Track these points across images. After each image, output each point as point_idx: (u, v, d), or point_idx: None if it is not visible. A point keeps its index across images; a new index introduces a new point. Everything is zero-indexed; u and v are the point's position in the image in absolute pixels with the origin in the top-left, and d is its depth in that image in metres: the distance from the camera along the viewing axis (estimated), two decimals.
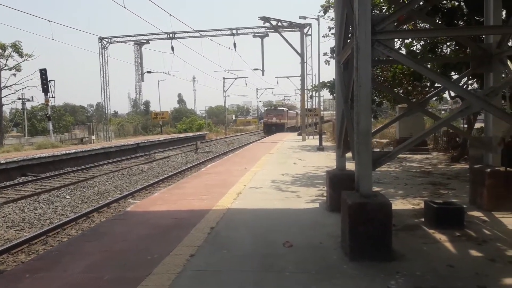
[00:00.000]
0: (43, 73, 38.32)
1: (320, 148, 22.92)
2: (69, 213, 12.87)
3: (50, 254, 5.89)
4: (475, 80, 13.44)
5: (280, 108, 68.56)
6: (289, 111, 70.90)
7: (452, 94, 16.31)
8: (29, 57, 44.40)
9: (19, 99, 54.14)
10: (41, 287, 4.66)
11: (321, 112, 40.74)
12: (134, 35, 41.00)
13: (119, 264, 5.28)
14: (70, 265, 5.33)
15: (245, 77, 66.97)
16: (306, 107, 37.40)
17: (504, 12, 9.79)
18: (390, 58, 6.38)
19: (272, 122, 60.45)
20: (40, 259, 5.86)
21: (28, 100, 57.52)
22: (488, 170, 7.60)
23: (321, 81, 33.33)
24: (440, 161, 16.78)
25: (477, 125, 18.43)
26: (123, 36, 41.18)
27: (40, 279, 4.88)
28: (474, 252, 5.53)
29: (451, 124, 7.26)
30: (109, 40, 40.82)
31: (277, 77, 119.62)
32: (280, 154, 20.92)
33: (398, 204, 8.43)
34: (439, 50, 13.98)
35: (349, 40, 6.86)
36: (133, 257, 5.52)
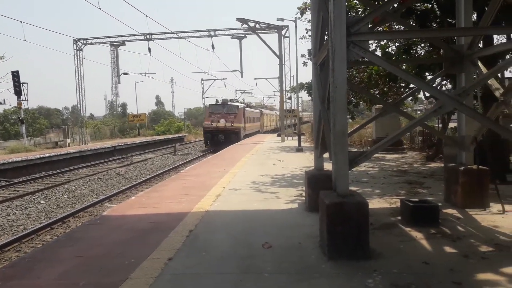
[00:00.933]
0: (15, 75, 37.29)
1: (299, 149, 23.06)
2: (44, 219, 12.55)
3: (23, 261, 5.72)
4: (448, 80, 13.76)
5: (233, 104, 41.67)
6: (247, 108, 46.37)
7: (427, 94, 16.66)
8: (1, 59, 43.15)
9: None
10: None
11: (300, 113, 40.95)
12: (110, 37, 40.40)
13: (95, 269, 5.17)
14: (44, 272, 5.19)
15: (223, 79, 66.22)
16: (285, 109, 37.56)
17: (475, 15, 10.06)
18: (365, 59, 6.47)
19: (219, 127, 37.37)
20: (12, 267, 5.68)
21: (0, 103, 55.84)
22: (461, 168, 7.78)
23: (299, 82, 33.57)
24: (416, 160, 17.11)
25: (452, 125, 18.90)
26: (98, 38, 40.51)
27: None
28: (448, 249, 5.64)
29: (425, 124, 7.41)
30: (84, 42, 40.09)
31: (255, 79, 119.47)
32: (259, 155, 20.95)
33: (375, 203, 8.54)
34: (414, 51, 14.27)
35: (325, 42, 6.92)
36: (110, 262, 5.42)
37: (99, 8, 18.69)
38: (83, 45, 40.26)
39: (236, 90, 78.35)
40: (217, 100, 42.27)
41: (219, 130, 36.81)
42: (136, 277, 4.86)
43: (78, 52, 40.21)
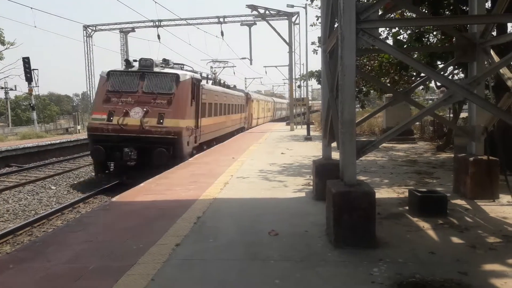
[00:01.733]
0: (26, 61, 37.59)
1: (308, 138, 23.00)
2: (55, 204, 12.75)
3: (35, 245, 5.82)
4: (461, 69, 13.56)
5: (168, 71, 16.48)
6: (209, 86, 21.44)
7: (439, 83, 16.45)
8: (11, 45, 43.40)
9: (1, 88, 52.97)
10: (24, 277, 4.62)
11: (309, 102, 40.74)
12: (120, 23, 40.42)
13: (104, 254, 5.26)
14: (55, 255, 5.28)
15: (233, 66, 66.45)
16: (294, 97, 37.40)
17: (488, 2, 9.86)
18: (375, 47, 6.39)
19: (126, 128, 14.92)
20: (24, 250, 5.80)
21: (11, 89, 56.24)
22: (471, 159, 7.71)
23: (309, 70, 33.37)
24: (426, 150, 16.99)
25: (464, 115, 18.67)
26: (108, 24, 40.56)
27: (24, 270, 4.84)
28: (456, 239, 5.63)
29: (435, 113, 7.33)
30: (94, 28, 40.16)
31: (265, 67, 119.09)
32: (268, 144, 20.95)
33: (383, 193, 8.53)
34: (426, 39, 14.05)
35: (334, 29, 6.84)
36: (118, 247, 5.50)
37: None
38: (93, 32, 40.36)
39: (245, 78, 78.14)
40: (128, 61, 17.04)
41: (127, 136, 14.96)
42: (144, 261, 4.93)
43: (88, 38, 40.33)
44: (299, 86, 43.73)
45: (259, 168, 12.28)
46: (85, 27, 39.90)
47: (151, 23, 37.36)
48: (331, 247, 5.27)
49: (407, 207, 7.23)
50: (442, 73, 8.41)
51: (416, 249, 5.22)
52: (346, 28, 5.26)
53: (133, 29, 40.56)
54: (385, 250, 5.16)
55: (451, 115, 19.57)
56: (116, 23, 40.45)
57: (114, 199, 8.58)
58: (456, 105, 16.82)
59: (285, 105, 69.71)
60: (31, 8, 31.75)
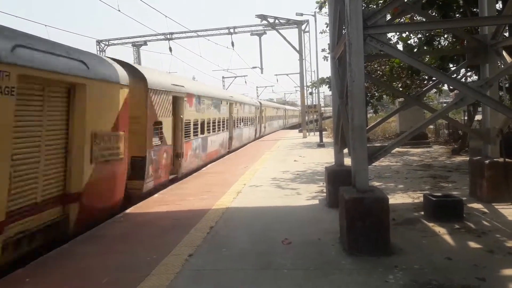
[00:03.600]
0: None
1: (321, 145, 22.90)
2: None
3: (49, 259, 5.87)
4: (473, 72, 13.39)
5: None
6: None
7: (451, 87, 16.27)
8: None
9: None
10: None
11: (322, 109, 40.61)
12: (132, 37, 41.00)
13: (118, 266, 5.29)
14: (69, 268, 5.33)
15: (244, 76, 66.49)
16: (306, 104, 37.33)
17: (499, 3, 9.75)
18: (384, 52, 6.36)
19: None
20: (39, 263, 5.84)
21: None
22: (487, 161, 7.58)
23: (320, 77, 33.29)
24: (441, 154, 16.75)
25: (479, 117, 18.39)
26: (121, 38, 41.16)
27: (39, 284, 4.89)
28: (473, 244, 5.52)
29: (447, 116, 7.24)
30: (107, 43, 40.82)
31: (276, 75, 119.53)
32: (280, 151, 20.91)
33: (398, 198, 8.42)
34: (437, 43, 13.93)
35: (342, 36, 6.84)
36: (132, 259, 5.53)
37: (119, 11, 18.98)
38: (106, 46, 41.02)
39: (257, 87, 78.46)
40: None
41: None
42: (158, 273, 4.94)
43: (101, 53, 41.01)
44: (311, 93, 43.70)
45: (272, 176, 12.25)
46: (98, 42, 40.59)
47: (163, 36, 37.82)
48: (345, 255, 5.21)
49: (422, 212, 7.12)
50: (454, 76, 8.33)
51: (432, 255, 5.13)
52: (353, 34, 5.26)
53: (145, 43, 41.08)
54: (400, 256, 5.09)
55: (466, 118, 19.29)
56: (128, 37, 41.07)
57: (128, 210, 8.63)
58: (471, 107, 16.59)
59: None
60: (46, 25, 32.57)
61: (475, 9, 9.89)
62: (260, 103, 36.14)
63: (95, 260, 5.61)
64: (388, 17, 9.18)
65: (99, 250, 6.03)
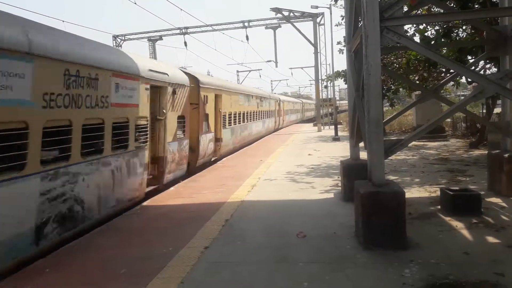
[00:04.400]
0: None
1: (336, 138, 22.77)
2: None
3: (69, 250, 5.99)
4: (493, 64, 13.11)
5: None
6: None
7: (470, 79, 15.97)
8: None
9: None
10: (60, 281, 4.78)
11: (337, 102, 40.25)
12: (148, 32, 41.20)
13: (135, 257, 5.37)
14: (88, 259, 5.44)
15: (258, 70, 66.09)
16: (321, 97, 37.09)
17: None
18: (401, 44, 6.28)
19: None
20: (59, 254, 5.96)
21: None
22: (506, 155, 7.45)
23: (335, 70, 33.06)
24: (458, 147, 16.51)
25: (498, 110, 18.04)
26: (136, 33, 41.42)
27: (59, 273, 5.01)
28: (491, 239, 5.44)
29: (465, 109, 7.13)
30: (123, 38, 41.13)
31: (291, 68, 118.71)
32: (295, 145, 20.86)
33: (414, 192, 8.35)
34: (455, 34, 13.67)
35: (358, 28, 6.77)
36: (149, 251, 5.61)
37: (135, 3, 19.05)
38: (122, 41, 41.35)
39: (271, 81, 78.10)
40: None
41: None
42: (174, 265, 5.01)
43: (117, 48, 41.33)
44: (326, 87, 43.42)
45: (286, 170, 12.25)
46: (115, 37, 40.93)
47: (178, 31, 37.92)
48: (361, 249, 5.20)
49: (439, 206, 7.05)
50: (472, 68, 8.18)
51: (449, 249, 5.08)
52: (370, 26, 5.20)
53: (160, 37, 41.25)
54: (416, 251, 5.05)
55: (484, 111, 18.93)
56: (144, 32, 41.26)
57: (145, 203, 8.75)
58: (490, 100, 16.27)
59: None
60: (63, 21, 32.90)
61: (494, 0, 9.67)
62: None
63: (113, 251, 5.71)
64: (405, 8, 9.04)
65: (117, 242, 6.13)
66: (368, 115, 5.41)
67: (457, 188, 7.17)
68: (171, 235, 6.30)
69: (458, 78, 14.43)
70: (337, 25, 26.57)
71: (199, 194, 9.33)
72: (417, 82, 17.38)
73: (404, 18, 5.85)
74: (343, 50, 20.75)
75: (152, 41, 42.75)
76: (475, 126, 20.15)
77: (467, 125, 21.89)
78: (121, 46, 41.23)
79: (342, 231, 5.98)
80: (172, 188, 10.32)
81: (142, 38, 42.02)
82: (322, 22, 33.28)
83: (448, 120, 24.27)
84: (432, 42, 11.10)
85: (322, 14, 33.16)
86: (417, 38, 13.62)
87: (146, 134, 9.31)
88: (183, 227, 6.66)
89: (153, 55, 44.62)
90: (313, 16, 32.81)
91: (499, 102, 16.42)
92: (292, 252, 5.26)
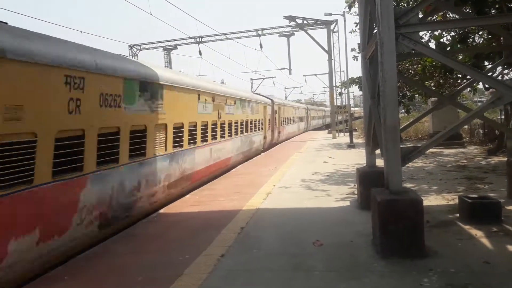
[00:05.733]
0: None
1: (351, 145, 22.61)
2: None
3: (86, 257, 6.07)
4: (511, 69, 12.90)
5: None
6: None
7: (487, 85, 15.74)
8: None
9: None
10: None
11: (352, 109, 40.02)
12: (163, 41, 41.77)
13: (152, 264, 5.41)
14: (104, 266, 5.50)
15: (272, 77, 66.04)
16: (335, 104, 36.95)
17: None
18: (416, 51, 6.24)
19: None
20: (77, 261, 6.05)
21: None
22: None
23: (350, 77, 32.89)
24: (476, 154, 16.24)
25: None
26: (152, 43, 42.00)
27: (76, 281, 5.07)
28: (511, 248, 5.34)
29: (483, 116, 7.02)
30: (139, 47, 41.75)
31: (304, 76, 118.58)
32: (309, 152, 20.80)
33: (432, 200, 8.23)
34: (471, 40, 13.50)
35: (373, 35, 6.76)
36: (165, 258, 5.65)
37: (151, 14, 19.36)
38: (138, 51, 41.97)
39: (285, 88, 78.02)
40: None
41: None
42: (190, 272, 5.03)
43: (133, 57, 41.95)
44: (340, 94, 43.25)
45: (301, 177, 12.21)
46: (131, 46, 41.58)
47: (193, 40, 38.34)
48: (378, 257, 5.14)
49: (457, 215, 6.93)
50: (490, 74, 8.07)
51: (469, 258, 4.99)
52: (385, 33, 5.19)
53: (175, 46, 41.78)
54: (435, 259, 4.97)
55: (503, 117, 18.60)
56: (159, 41, 41.85)
57: (161, 211, 8.81)
58: (508, 106, 15.97)
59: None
60: (81, 32, 33.63)
61: (511, 4, 9.54)
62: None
63: (130, 259, 5.76)
64: (420, 15, 8.98)
65: (134, 249, 6.19)
66: (384, 122, 5.38)
67: (476, 195, 7.05)
68: (187, 242, 6.33)
69: (475, 84, 14.23)
70: (351, 32, 26.45)
71: (215, 202, 9.36)
72: (433, 88, 17.19)
73: (420, 24, 5.82)
74: (357, 57, 20.64)
75: (168, 50, 43.30)
76: (493, 133, 19.80)
77: (485, 131, 21.53)
78: (137, 55, 41.84)
79: (358, 239, 5.93)
80: (188, 196, 10.37)
81: (157, 47, 42.58)
82: (336, 29, 33.26)
83: (466, 126, 23.92)
84: (448, 48, 10.99)
85: (336, 21, 33.15)
86: (432, 44, 13.50)
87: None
88: (199, 235, 6.68)
89: (168, 64, 45.14)
90: (326, 24, 32.81)
91: None
92: (308, 260, 5.24)
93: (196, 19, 24.44)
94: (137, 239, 6.78)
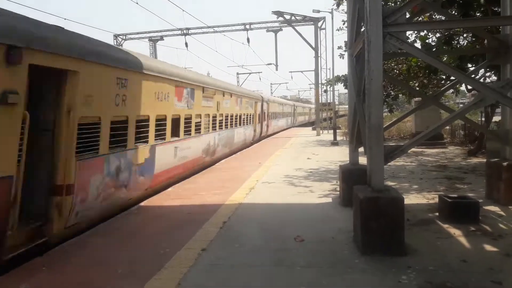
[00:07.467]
0: None
1: (334, 143, 22.77)
2: None
3: (64, 249, 5.96)
4: (493, 72, 13.15)
5: None
6: None
7: (469, 87, 16.02)
8: None
9: None
10: (56, 281, 4.76)
11: (336, 107, 40.25)
12: (149, 32, 41.20)
13: (132, 258, 5.35)
14: (84, 259, 5.42)
15: (259, 72, 65.90)
16: (320, 102, 37.10)
17: None
18: (403, 51, 6.29)
19: None
20: (54, 253, 5.93)
21: None
22: (505, 163, 7.46)
23: (335, 75, 33.07)
24: (457, 155, 16.53)
25: (496, 118, 18.09)
26: (138, 33, 41.42)
27: (56, 274, 4.98)
28: (489, 247, 5.44)
29: (465, 117, 7.14)
30: (124, 37, 41.11)
31: (291, 72, 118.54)
32: (294, 149, 20.86)
33: (412, 199, 8.34)
34: (455, 42, 13.70)
35: (361, 33, 6.78)
36: (146, 251, 5.59)
37: (137, 3, 19.05)
38: (123, 41, 41.33)
39: (271, 84, 78.08)
40: None
41: None
42: (171, 266, 4.99)
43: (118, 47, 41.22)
44: (326, 91, 43.47)
45: (284, 173, 12.24)
46: (116, 36, 40.92)
47: (179, 32, 37.93)
48: (359, 254, 5.19)
49: (437, 214, 7.05)
50: (473, 76, 8.20)
51: (447, 256, 5.07)
52: (372, 32, 5.20)
53: (161, 38, 41.26)
54: (414, 257, 5.04)
55: (483, 119, 18.98)
56: (145, 32, 41.26)
57: (142, 203, 8.72)
58: (489, 108, 16.30)
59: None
60: (65, 19, 32.93)
61: (496, 8, 9.70)
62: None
63: (110, 251, 5.68)
64: (407, 15, 9.06)
65: (114, 242, 6.11)
66: (369, 120, 5.42)
67: (455, 195, 7.17)
68: (168, 236, 6.28)
69: (458, 86, 14.46)
70: (338, 30, 26.66)
71: (197, 196, 9.31)
72: (417, 88, 17.41)
73: (408, 24, 5.87)
74: (344, 55, 20.71)
75: (153, 41, 42.74)
76: (473, 134, 20.20)
77: (466, 132, 21.93)
78: (121, 45, 41.21)
79: (340, 236, 5.97)
80: (170, 189, 10.29)
81: (143, 38, 42.00)
82: (323, 26, 33.33)
83: (447, 127, 24.33)
84: (433, 50, 11.13)
85: (324, 18, 33.21)
86: (418, 45, 13.65)
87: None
88: (180, 229, 6.63)
89: (154, 55, 44.62)
90: (314, 20, 32.86)
91: (497, 110, 16.48)
92: (290, 255, 5.25)
93: (183, 10, 24.19)
94: (117, 232, 6.69)
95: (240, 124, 20.48)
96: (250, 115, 23.15)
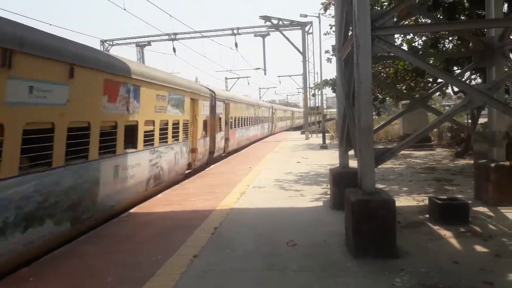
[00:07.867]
0: None
1: (324, 146, 22.86)
2: None
3: (53, 258, 5.86)
4: (478, 74, 13.34)
5: None
6: None
7: (456, 89, 16.22)
8: None
9: None
10: None
11: (324, 110, 40.51)
12: (136, 37, 41.07)
13: (123, 265, 5.27)
14: (75, 267, 5.32)
15: (247, 77, 65.42)
16: (309, 106, 37.29)
17: (505, 5, 9.71)
18: (391, 54, 6.34)
19: None
20: (43, 263, 5.83)
21: None
22: (492, 165, 7.55)
23: (323, 79, 33.25)
24: (445, 156, 16.71)
25: (482, 120, 18.35)
26: (125, 38, 41.22)
27: (45, 282, 4.88)
28: (479, 248, 5.48)
29: (453, 119, 7.22)
30: (111, 43, 40.88)
31: (279, 76, 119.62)
32: (283, 153, 20.88)
33: (402, 201, 8.39)
34: (441, 45, 13.88)
35: (349, 37, 6.82)
36: (137, 258, 5.51)
37: (124, 9, 18.99)
38: (110, 46, 41.08)
39: (259, 88, 78.26)
40: None
41: None
42: (163, 273, 4.93)
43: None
44: (314, 95, 43.68)
45: (275, 177, 12.23)
46: (102, 41, 40.66)
47: (167, 37, 37.87)
48: (351, 257, 5.18)
49: (427, 215, 7.09)
50: (459, 78, 8.30)
51: (438, 258, 5.10)
52: (361, 35, 5.23)
53: (149, 43, 41.14)
54: (406, 259, 5.06)
55: (469, 121, 19.25)
56: (132, 37, 41.12)
57: (132, 210, 8.62)
58: (475, 110, 16.54)
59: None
60: (50, 24, 32.63)
61: (481, 11, 9.85)
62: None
63: (100, 259, 5.60)
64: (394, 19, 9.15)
65: (104, 249, 6.02)
66: (359, 123, 5.43)
67: (445, 197, 7.23)
68: (160, 242, 6.21)
69: (444, 88, 14.64)
70: (325, 34, 26.77)
71: (188, 201, 9.24)
72: (405, 91, 17.58)
73: (396, 27, 5.92)
74: (331, 59, 20.84)
75: (141, 46, 42.58)
76: (460, 136, 20.46)
77: (453, 134, 22.20)
78: (108, 50, 40.93)
79: (332, 239, 5.97)
80: (160, 195, 10.20)
81: (130, 43, 41.82)
82: (310, 31, 33.60)
83: (435, 130, 24.60)
84: (420, 53, 11.25)
85: (311, 23, 33.51)
86: (404, 48, 13.79)
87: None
88: (171, 235, 6.57)
89: (141, 60, 44.40)
90: (301, 25, 33.10)
91: (483, 112, 16.71)
92: (282, 260, 5.22)
93: (171, 16, 24.14)
94: (107, 239, 6.60)
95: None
96: (176, 124, 12.38)
